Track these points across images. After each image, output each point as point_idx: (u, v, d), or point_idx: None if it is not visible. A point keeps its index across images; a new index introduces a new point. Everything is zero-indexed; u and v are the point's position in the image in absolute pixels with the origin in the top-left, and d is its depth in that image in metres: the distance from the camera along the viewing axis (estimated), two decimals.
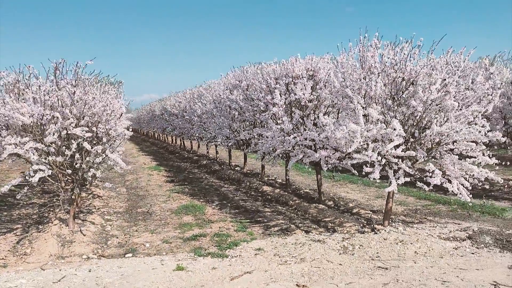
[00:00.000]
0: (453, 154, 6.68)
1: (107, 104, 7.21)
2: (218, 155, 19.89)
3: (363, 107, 6.47)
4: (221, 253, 6.43)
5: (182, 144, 28.06)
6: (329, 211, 8.83)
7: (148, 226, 8.49)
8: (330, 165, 7.88)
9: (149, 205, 10.52)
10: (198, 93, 16.63)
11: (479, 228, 7.06)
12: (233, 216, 9.04)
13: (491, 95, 6.53)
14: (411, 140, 6.59)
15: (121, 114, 7.38)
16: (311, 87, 8.31)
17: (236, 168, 16.44)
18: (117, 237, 7.72)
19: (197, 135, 17.76)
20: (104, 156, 7.30)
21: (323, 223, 8.10)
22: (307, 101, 8.21)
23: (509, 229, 6.99)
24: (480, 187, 6.81)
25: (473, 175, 6.49)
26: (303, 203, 9.74)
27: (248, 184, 13.20)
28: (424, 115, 6.48)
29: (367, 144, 6.35)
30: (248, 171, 15.49)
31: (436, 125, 6.05)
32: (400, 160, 6.70)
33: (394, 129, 6.12)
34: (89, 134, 7.05)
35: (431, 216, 8.42)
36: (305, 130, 7.69)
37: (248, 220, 8.66)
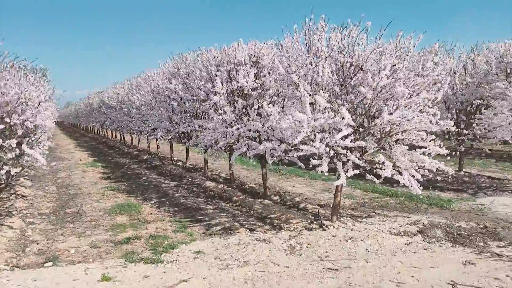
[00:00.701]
0: (403, 145, 6.35)
1: (22, 91, 6.26)
2: (159, 150, 18.94)
3: (309, 95, 5.98)
4: (155, 258, 5.73)
5: (123, 138, 26.74)
6: (275, 206, 8.32)
7: (76, 228, 7.60)
8: (275, 158, 7.37)
9: (79, 205, 9.55)
10: (137, 84, 15.63)
11: (429, 221, 6.80)
12: (172, 215, 8.32)
13: (441, 82, 6.25)
14: (360, 130, 6.18)
15: (39, 103, 6.44)
16: (255, 74, 7.74)
17: (178, 163, 15.64)
18: (37, 243, 6.79)
19: (136, 128, 16.74)
20: (19, 151, 6.36)
21: (269, 220, 7.58)
22: (250, 90, 7.63)
23: (458, 222, 6.78)
24: (425, 178, 6.55)
25: (424, 166, 6.19)
26: (248, 199, 9.18)
27: (190, 179, 12.47)
28: (373, 103, 6.08)
29: (315, 135, 5.88)
30: (191, 166, 14.75)
31: (387, 114, 5.66)
32: (349, 151, 6.29)
33: (343, 118, 5.67)
34: (1, 126, 6.10)
35: (379, 209, 8.13)
36: (248, 120, 7.11)
37: (189, 219, 7.98)
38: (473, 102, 9.90)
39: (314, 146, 5.71)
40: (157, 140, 15.01)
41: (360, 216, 7.52)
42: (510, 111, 8.95)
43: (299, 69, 6.28)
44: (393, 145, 6.45)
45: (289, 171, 12.87)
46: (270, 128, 6.71)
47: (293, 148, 6.56)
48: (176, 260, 5.62)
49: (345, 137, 5.90)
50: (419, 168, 6.25)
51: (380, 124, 5.80)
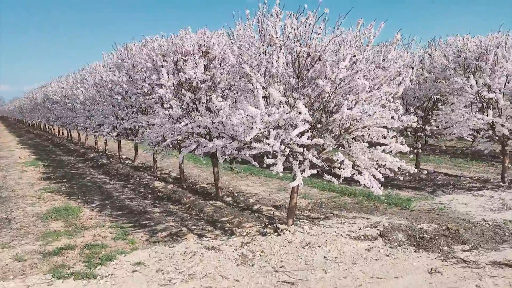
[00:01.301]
0: (363, 142, 5.92)
1: None
2: (107, 147, 17.89)
3: (263, 87, 5.42)
4: (88, 272, 5.01)
5: (69, 135, 25.31)
6: (227, 209, 7.73)
7: (2, 237, 6.71)
8: (227, 156, 6.79)
9: (9, 210, 8.58)
10: (81, 77, 14.56)
11: (389, 223, 6.41)
12: (114, 220, 7.55)
13: (402, 75, 5.86)
14: (318, 126, 5.68)
15: None
16: (204, 65, 7.09)
17: (126, 162, 14.72)
18: None
19: (81, 124, 15.65)
20: None
21: (220, 224, 6.98)
22: (199, 82, 6.98)
23: (420, 223, 6.44)
24: (383, 177, 6.15)
25: (385, 165, 5.79)
26: (199, 200, 8.54)
27: (138, 179, 11.65)
28: (332, 97, 5.60)
29: (269, 131, 5.34)
30: (140, 165, 13.89)
31: (346, 108, 5.18)
32: (305, 149, 5.79)
33: (299, 113, 5.15)
34: None
35: (337, 209, 7.71)
36: (197, 116, 6.46)
37: (132, 224, 7.25)
38: (431, 97, 9.68)
39: (268, 144, 5.16)
40: (104, 137, 14.05)
41: (318, 218, 7.06)
42: (466, 107, 8.77)
43: (252, 59, 5.71)
44: (352, 142, 6.00)
45: (244, 170, 12.31)
46: (220, 124, 6.11)
47: (246, 146, 6.00)
48: (112, 275, 4.93)
49: (302, 134, 5.39)
50: (379, 167, 5.85)
51: (339, 120, 5.32)
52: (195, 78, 6.89)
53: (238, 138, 5.98)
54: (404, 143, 5.70)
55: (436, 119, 9.50)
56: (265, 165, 5.60)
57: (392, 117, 5.46)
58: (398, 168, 5.58)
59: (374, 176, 5.74)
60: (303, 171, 5.74)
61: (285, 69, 5.64)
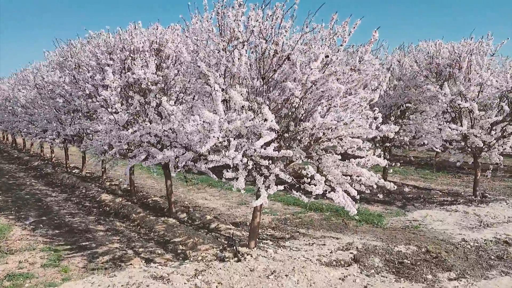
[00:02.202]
0: (335, 154, 5.23)
1: None
2: (54, 155, 16.54)
3: (222, 89, 4.63)
4: None
5: (14, 141, 23.55)
6: (181, 227, 6.84)
7: None
8: (180, 168, 5.93)
9: None
10: (23, 77, 13.26)
11: (362, 244, 5.74)
12: (48, 241, 6.51)
13: (379, 80, 5.22)
14: (286, 135, 4.94)
15: None
16: (156, 65, 6.23)
17: (74, 171, 13.50)
18: None
19: (24, 130, 14.28)
20: None
21: (172, 246, 6.10)
22: (149, 83, 6.09)
23: (396, 244, 5.79)
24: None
25: (360, 180, 5.11)
26: (149, 217, 7.60)
27: (84, 191, 10.54)
28: (302, 102, 4.87)
29: (229, 141, 4.53)
30: (88, 174, 12.74)
31: (319, 115, 4.46)
32: (271, 162, 5.04)
33: (265, 120, 4.39)
34: None
35: (303, 227, 6.98)
36: (145, 121, 5.58)
37: (69, 246, 6.24)
38: (401, 106, 9.17)
39: (228, 156, 4.36)
40: (49, 143, 12.79)
41: (283, 238, 6.31)
42: (437, 117, 8.29)
43: (210, 57, 4.91)
44: (322, 154, 5.30)
45: (201, 181, 11.42)
46: (172, 132, 5.26)
47: (202, 157, 5.18)
48: None
49: (267, 144, 4.63)
50: (354, 182, 5.17)
51: (311, 129, 4.59)
52: (145, 79, 6.00)
53: (193, 149, 5.15)
54: (381, 155, 5.04)
55: (406, 128, 9.00)
56: (224, 179, 4.81)
57: (370, 126, 4.79)
58: (376, 184, 4.90)
59: (347, 192, 5.05)
60: (268, 187, 4.98)
61: (249, 70, 4.88)
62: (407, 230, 6.60)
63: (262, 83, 4.82)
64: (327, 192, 4.88)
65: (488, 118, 7.55)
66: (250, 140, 4.86)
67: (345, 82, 4.87)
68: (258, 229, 5.72)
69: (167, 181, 7.49)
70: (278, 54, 4.75)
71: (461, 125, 7.71)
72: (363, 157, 5.07)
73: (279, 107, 4.88)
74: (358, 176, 5.09)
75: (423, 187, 10.13)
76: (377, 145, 9.62)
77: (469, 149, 8.29)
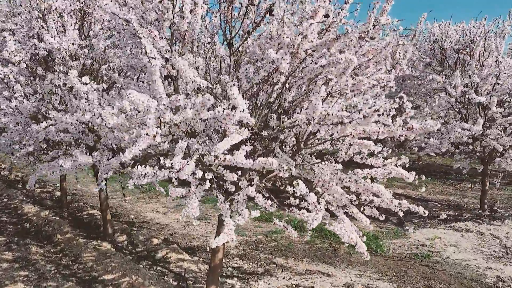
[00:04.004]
0: (336, 162, 3.59)
1: None
2: None
3: (166, 59, 2.91)
4: None
5: None
6: (117, 257, 5.04)
7: None
8: (108, 175, 4.17)
9: None
10: None
11: (365, 287, 4.13)
12: None
13: (400, 53, 3.63)
14: (264, 134, 3.24)
15: None
16: (80, 27, 4.43)
17: (4, 173, 11.36)
18: None
19: None
20: None
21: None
22: (67, 58, 4.27)
23: (409, 285, 4.21)
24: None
25: (371, 201, 3.50)
26: (78, 239, 5.75)
27: (6, 200, 8.51)
28: (289, 83, 3.19)
29: (174, 141, 2.84)
30: (19, 178, 10.64)
31: (320, 103, 2.77)
32: (241, 174, 3.36)
33: (233, 109, 2.68)
34: None
35: (281, 255, 5.33)
36: (57, 110, 3.76)
37: None
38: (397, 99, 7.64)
39: (171, 166, 2.62)
40: None
41: (254, 273, 4.64)
42: (439, 114, 6.83)
43: (148, 11, 3.15)
44: (315, 162, 3.64)
45: (153, 188, 9.57)
46: (86, 125, 3.47)
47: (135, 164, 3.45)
48: None
49: (236, 147, 2.95)
50: (363, 205, 3.55)
51: (306, 124, 2.89)
52: (60, 50, 4.18)
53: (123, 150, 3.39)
54: (405, 164, 3.43)
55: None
56: (170, 194, 3.10)
57: (392, 120, 3.15)
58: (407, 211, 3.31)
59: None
60: (237, 212, 3.30)
61: (208, 30, 3.18)
62: (418, 261, 5.04)
63: (229, 53, 3.12)
64: (325, 220, 3.25)
65: (509, 115, 6.11)
66: (211, 141, 3.20)
67: (352, 54, 3.24)
68: (220, 269, 4.01)
69: (100, 193, 5.66)
70: (254, 5, 3.05)
71: (475, 124, 6.23)
72: (378, 166, 3.45)
73: (256, 90, 3.18)
74: (368, 195, 3.48)
75: (416, 197, 8.68)
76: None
77: (478, 154, 6.85)
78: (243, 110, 2.64)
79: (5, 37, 4.25)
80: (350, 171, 3.59)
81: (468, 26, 6.52)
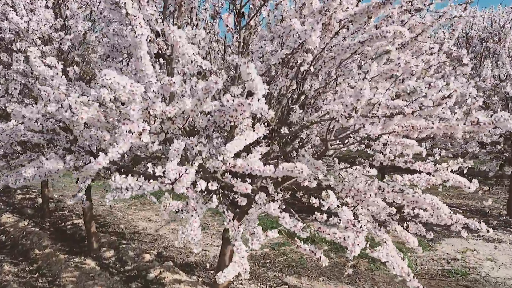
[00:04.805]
0: (371, 167, 2.88)
1: None
2: None
3: (157, 33, 2.20)
4: None
5: None
6: (102, 278, 4.30)
7: None
8: (85, 185, 3.45)
9: None
10: None
11: None
12: None
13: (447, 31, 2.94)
14: (283, 131, 2.51)
15: None
16: (54, 5, 3.70)
17: None
18: None
19: None
20: None
21: None
22: (38, 40, 3.53)
23: None
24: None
25: (417, 214, 2.79)
26: (59, 255, 5.01)
27: None
28: (317, 64, 2.48)
29: (167, 141, 2.14)
30: None
31: (367, 86, 2.05)
32: (249, 180, 2.65)
33: (248, 97, 1.96)
34: None
35: (292, 272, 4.61)
36: (11, 102, 3.03)
37: None
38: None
39: (163, 174, 1.89)
40: None
41: None
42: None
43: None
44: (343, 168, 2.92)
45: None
46: (60, 121, 2.73)
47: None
48: None
49: (247, 148, 2.24)
50: (407, 220, 2.85)
51: (346, 117, 2.16)
52: (28, 31, 3.44)
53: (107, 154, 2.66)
54: (463, 169, 2.72)
55: None
56: (162, 210, 2.40)
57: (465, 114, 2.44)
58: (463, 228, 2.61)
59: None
60: (249, 230, 2.58)
61: None
62: (454, 281, 4.33)
63: (236, 22, 2.41)
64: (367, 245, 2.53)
65: None
66: (207, 141, 2.51)
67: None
68: None
69: (84, 207, 4.90)
70: None
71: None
72: (427, 173, 2.74)
73: (273, 74, 2.45)
74: (413, 208, 2.78)
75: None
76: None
77: (507, 155, 6.17)
78: (261, 97, 1.93)
79: None
80: (386, 177, 2.89)
81: (497, 12, 5.84)
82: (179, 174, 1.79)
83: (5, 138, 3.37)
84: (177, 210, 2.49)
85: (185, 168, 1.81)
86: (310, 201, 2.69)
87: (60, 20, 3.66)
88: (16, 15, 3.39)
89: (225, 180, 2.48)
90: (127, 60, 3.27)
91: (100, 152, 2.83)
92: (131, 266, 4.69)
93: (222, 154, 1.92)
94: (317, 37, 2.15)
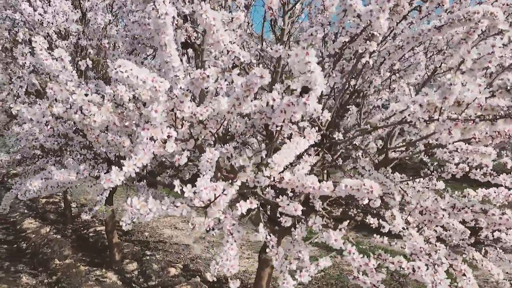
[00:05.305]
0: (436, 177, 2.40)
1: None
2: None
3: (184, 17, 1.79)
4: None
5: None
6: None
7: None
8: (103, 197, 3.09)
9: None
10: None
11: None
12: None
13: None
14: (337, 137, 2.06)
15: None
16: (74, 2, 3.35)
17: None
18: None
19: None
20: None
21: None
22: (53, 33, 3.19)
23: None
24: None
25: (498, 239, 2.31)
26: (79, 267, 4.69)
27: (7, 212, 7.52)
28: (380, 53, 2.02)
29: (197, 150, 1.73)
30: None
31: (459, 80, 1.60)
32: (291, 195, 2.26)
33: (303, 93, 1.52)
34: None
35: None
36: (16, 102, 2.69)
37: None
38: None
39: (195, 197, 1.47)
40: None
41: None
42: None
43: None
44: (404, 180, 2.45)
45: (171, 194, 8.49)
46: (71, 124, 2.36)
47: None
48: None
49: (299, 158, 1.82)
50: (484, 245, 2.37)
51: (426, 121, 1.70)
52: (43, 24, 3.09)
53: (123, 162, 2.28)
54: None
55: None
56: (191, 226, 1.98)
57: None
58: None
59: None
60: (293, 255, 2.16)
61: None
62: None
63: (281, 3, 1.98)
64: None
65: None
66: (253, 151, 2.10)
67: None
68: None
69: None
70: None
71: None
72: (506, 186, 2.25)
73: (326, 66, 2.01)
74: (493, 230, 2.29)
75: None
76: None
77: None
78: (320, 94, 1.49)
79: None
80: (455, 192, 2.44)
81: None
82: (217, 196, 1.38)
83: (22, 142, 3.07)
84: (208, 230, 2.09)
85: (222, 188, 1.39)
86: (367, 220, 2.26)
87: (78, 12, 3.31)
88: (30, 5, 3.05)
89: (266, 197, 2.06)
90: (152, 57, 2.90)
91: (119, 160, 2.44)
92: (155, 281, 4.31)
93: (270, 167, 1.50)
94: (385, 20, 1.71)
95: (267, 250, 2.00)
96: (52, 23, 3.12)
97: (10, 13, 3.04)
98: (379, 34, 1.80)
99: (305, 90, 1.46)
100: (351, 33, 1.78)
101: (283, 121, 1.64)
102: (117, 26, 3.45)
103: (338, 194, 1.63)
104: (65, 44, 3.18)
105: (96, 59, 3.14)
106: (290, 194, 2.42)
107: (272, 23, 2.45)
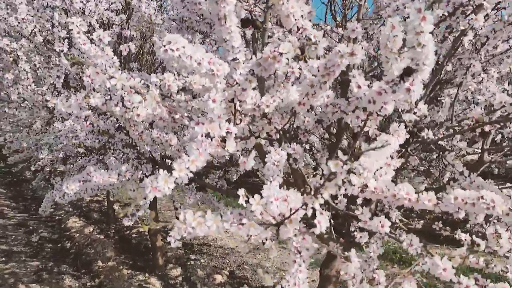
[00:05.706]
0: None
1: None
2: None
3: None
4: None
5: None
6: None
7: None
8: (146, 204, 2.85)
9: None
10: None
11: None
12: None
13: None
14: (428, 134, 1.70)
15: None
16: None
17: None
18: None
19: None
20: None
21: None
22: (99, 21, 2.97)
23: None
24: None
25: None
26: (122, 270, 4.50)
27: (52, 210, 7.50)
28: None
29: (258, 150, 1.41)
30: None
31: None
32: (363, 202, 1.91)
33: (401, 80, 1.17)
34: None
35: None
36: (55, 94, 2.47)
37: None
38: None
39: (262, 209, 1.16)
40: None
41: None
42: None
43: None
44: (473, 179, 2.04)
45: (215, 196, 8.24)
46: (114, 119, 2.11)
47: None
48: None
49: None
50: None
51: None
52: (84, 12, 2.87)
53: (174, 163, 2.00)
54: None
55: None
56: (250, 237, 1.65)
57: None
58: None
59: None
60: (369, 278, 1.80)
61: None
62: None
63: None
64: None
65: None
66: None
67: None
68: None
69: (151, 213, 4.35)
70: None
71: None
72: None
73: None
74: None
75: None
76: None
77: None
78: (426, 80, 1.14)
79: (16, 3, 3.02)
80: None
81: None
82: (292, 212, 1.05)
83: (62, 140, 2.86)
84: (264, 242, 1.78)
85: (302, 201, 1.06)
86: (457, 236, 1.87)
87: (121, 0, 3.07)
88: None
89: (337, 207, 1.72)
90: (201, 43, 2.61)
91: (164, 160, 2.17)
92: (203, 287, 4.04)
93: (360, 173, 1.16)
94: None
95: (342, 273, 1.66)
96: (94, 12, 2.89)
97: (50, 1, 2.83)
98: (489, 5, 1.42)
99: (408, 71, 1.11)
100: (453, 2, 1.41)
101: (369, 115, 1.30)
102: (162, 15, 3.19)
103: (444, 209, 1.26)
104: (108, 34, 2.95)
105: (140, 44, 2.90)
106: (359, 202, 2.07)
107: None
